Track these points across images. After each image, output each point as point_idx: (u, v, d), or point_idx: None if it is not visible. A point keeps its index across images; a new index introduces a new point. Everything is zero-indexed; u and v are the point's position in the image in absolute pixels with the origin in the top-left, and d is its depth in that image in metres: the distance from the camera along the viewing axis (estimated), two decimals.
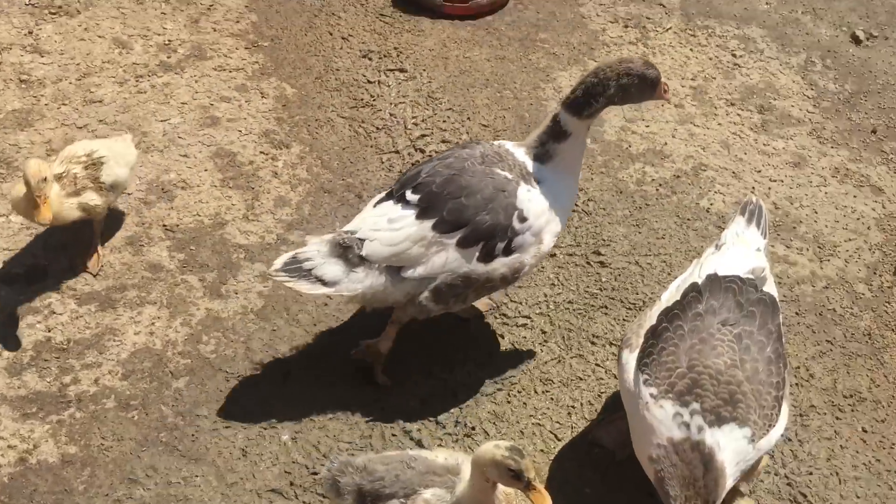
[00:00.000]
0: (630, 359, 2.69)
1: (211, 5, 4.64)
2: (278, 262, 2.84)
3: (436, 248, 2.87)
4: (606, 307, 3.54)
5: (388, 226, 2.88)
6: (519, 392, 3.25)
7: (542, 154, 2.99)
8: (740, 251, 2.87)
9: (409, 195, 2.90)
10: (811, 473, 3.10)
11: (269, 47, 4.47)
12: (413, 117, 4.20)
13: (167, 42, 4.41)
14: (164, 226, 3.62)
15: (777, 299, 2.76)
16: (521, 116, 4.26)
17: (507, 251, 2.91)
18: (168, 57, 4.34)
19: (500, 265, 2.93)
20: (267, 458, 2.96)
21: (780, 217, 3.94)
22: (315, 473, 2.93)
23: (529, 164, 2.99)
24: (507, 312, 3.47)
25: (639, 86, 2.91)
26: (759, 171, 4.12)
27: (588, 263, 3.68)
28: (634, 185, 4.01)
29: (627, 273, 3.66)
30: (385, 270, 2.87)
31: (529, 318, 3.47)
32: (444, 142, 4.09)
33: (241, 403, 3.09)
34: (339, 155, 4.01)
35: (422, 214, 2.86)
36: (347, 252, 2.85)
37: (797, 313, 3.58)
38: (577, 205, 3.88)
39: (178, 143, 3.95)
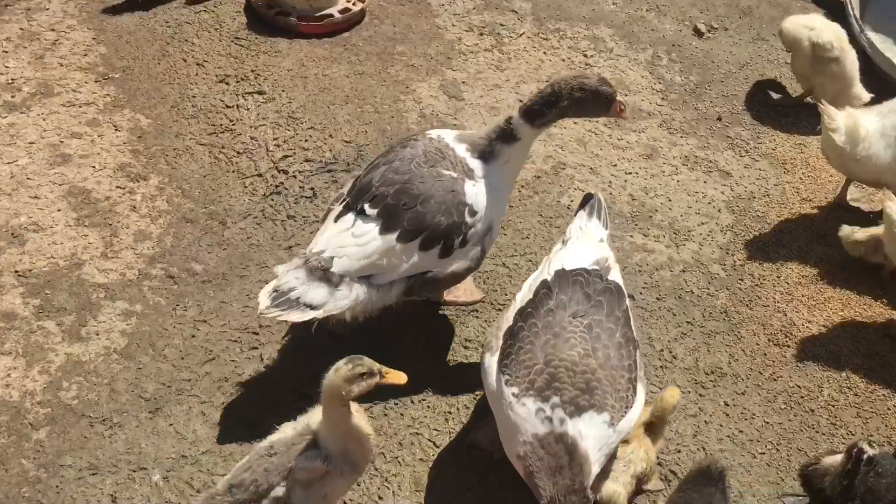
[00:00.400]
0: (492, 361, 2.75)
1: (56, 40, 4.49)
2: (264, 300, 2.91)
3: (402, 255, 3.03)
4: (477, 311, 3.60)
5: (353, 241, 3.02)
6: (395, 404, 3.26)
7: (487, 152, 3.12)
8: (584, 244, 2.97)
9: (368, 209, 3.05)
10: (679, 451, 3.23)
11: (120, 79, 4.36)
12: (274, 139, 4.17)
13: (10, 81, 4.24)
14: (17, 272, 3.48)
15: (622, 286, 2.87)
16: (382, 130, 4.29)
17: (464, 243, 3.09)
18: (12, 96, 4.17)
19: (461, 256, 3.12)
20: (137, 501, 2.87)
21: (637, 208, 4.10)
22: None
23: (470, 161, 3.12)
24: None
25: (592, 100, 3.05)
26: (615, 165, 4.27)
27: None
28: None
29: (496, 275, 3.73)
30: (362, 281, 3.02)
31: (406, 331, 3.49)
32: (307, 161, 4.08)
33: (108, 448, 2.99)
34: (199, 183, 3.95)
35: (385, 229, 3.01)
36: (326, 273, 2.97)
37: (658, 298, 3.73)
38: None
39: (28, 185, 3.81)
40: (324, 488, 2.58)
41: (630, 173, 4.25)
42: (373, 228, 3.02)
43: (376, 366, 2.52)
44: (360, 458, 2.62)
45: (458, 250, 3.10)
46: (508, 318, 2.81)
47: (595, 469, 2.57)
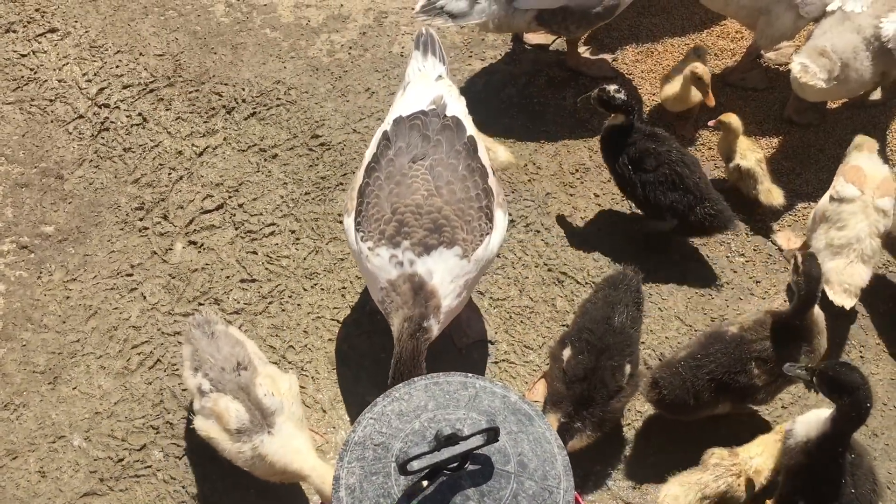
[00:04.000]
0: (349, 222, 2.78)
1: None
2: (417, 7, 3.46)
3: None
4: (342, 184, 3.59)
5: None
6: (290, 296, 3.29)
7: None
8: (420, 87, 2.96)
9: None
10: (564, 251, 3.38)
11: None
12: (84, 74, 3.92)
13: None
14: None
15: (462, 118, 2.88)
16: (193, 32, 4.08)
17: None
18: None
19: None
20: (67, 468, 2.88)
21: (468, 34, 4.06)
22: (121, 460, 2.89)
23: None
24: (251, 228, 3.45)
25: None
26: None
27: (310, 150, 3.68)
28: (327, 58, 3.99)
29: (348, 144, 3.70)
30: (500, 2, 3.45)
31: (275, 224, 3.47)
32: (125, 87, 3.87)
33: (19, 430, 2.95)
34: (20, 144, 3.72)
35: None
36: None
37: (512, 117, 3.77)
38: (278, 97, 3.84)
39: None
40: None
41: None
42: None
43: None
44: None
45: None
46: (359, 177, 2.82)
47: (448, 301, 2.66)
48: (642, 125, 3.33)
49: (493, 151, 3.24)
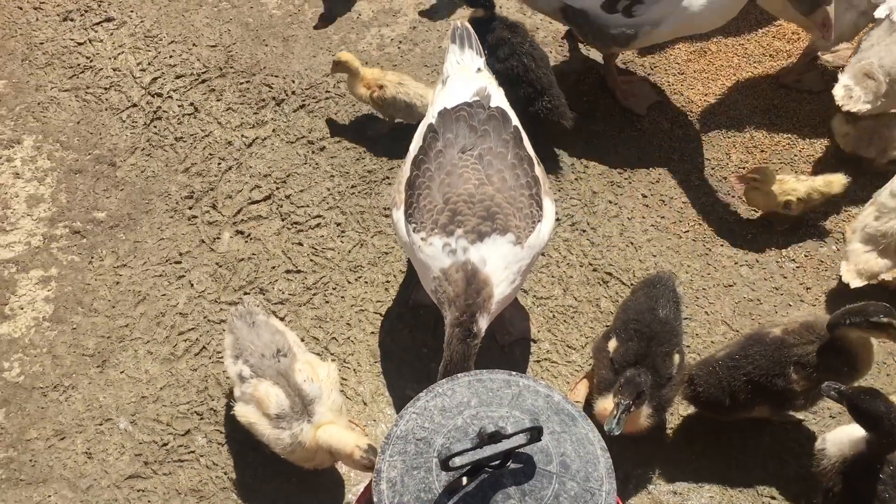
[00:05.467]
0: (399, 215, 2.78)
1: None
2: None
3: None
4: (388, 178, 3.59)
5: None
6: (334, 288, 3.31)
7: None
8: (462, 79, 2.95)
9: None
10: (609, 251, 3.34)
11: None
12: (138, 63, 3.99)
13: None
14: None
15: (506, 109, 2.87)
16: (245, 24, 4.12)
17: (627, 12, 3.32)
18: None
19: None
20: (113, 450, 2.93)
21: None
22: (165, 444, 2.94)
23: None
24: (297, 220, 3.48)
25: None
26: None
27: (358, 143, 3.70)
28: (377, 52, 4.00)
29: (396, 138, 3.70)
30: None
31: (321, 216, 3.49)
32: (178, 77, 3.93)
33: (68, 411, 3.02)
34: (75, 130, 3.80)
35: None
36: None
37: None
38: (327, 90, 3.86)
39: None
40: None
41: None
42: None
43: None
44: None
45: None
46: (405, 170, 2.83)
47: (502, 288, 2.64)
48: (504, 17, 3.55)
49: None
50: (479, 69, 3.00)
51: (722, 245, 3.35)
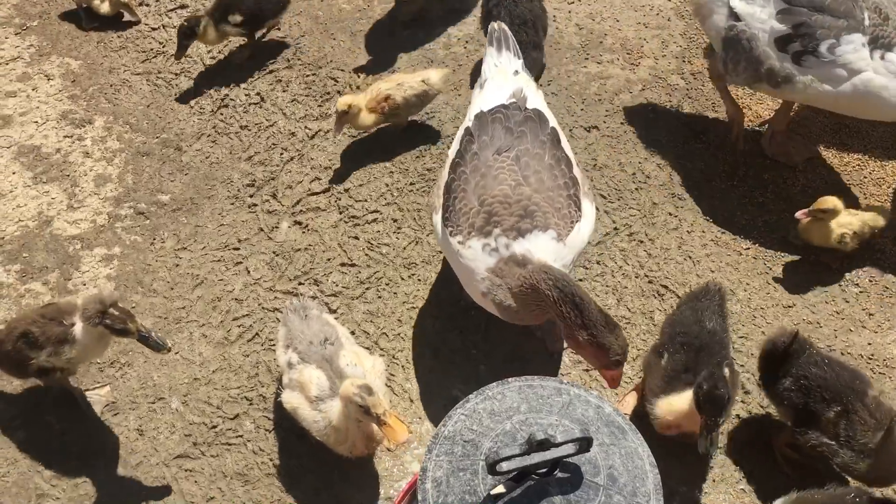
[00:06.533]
0: (437, 220, 2.79)
1: None
2: None
3: None
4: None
5: None
6: (387, 284, 3.32)
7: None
8: (498, 82, 2.95)
9: None
10: (667, 263, 3.30)
11: (39, 26, 4.22)
12: (208, 52, 4.06)
13: None
14: None
15: (543, 110, 2.85)
16: (315, 17, 4.16)
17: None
18: None
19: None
20: (164, 429, 2.99)
21: (586, 36, 4.01)
22: (214, 427, 2.99)
23: None
24: (355, 214, 3.51)
25: None
26: None
27: (418, 141, 3.71)
28: (443, 51, 4.00)
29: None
30: None
31: (378, 211, 3.52)
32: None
33: (123, 387, 3.09)
34: (145, 113, 3.88)
35: None
36: None
37: (622, 123, 3.71)
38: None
39: None
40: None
41: (573, 2, 4.13)
42: None
43: (380, 409, 2.46)
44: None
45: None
46: (444, 174, 2.83)
47: None
48: None
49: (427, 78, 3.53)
50: (516, 71, 2.99)
51: (783, 265, 3.28)
